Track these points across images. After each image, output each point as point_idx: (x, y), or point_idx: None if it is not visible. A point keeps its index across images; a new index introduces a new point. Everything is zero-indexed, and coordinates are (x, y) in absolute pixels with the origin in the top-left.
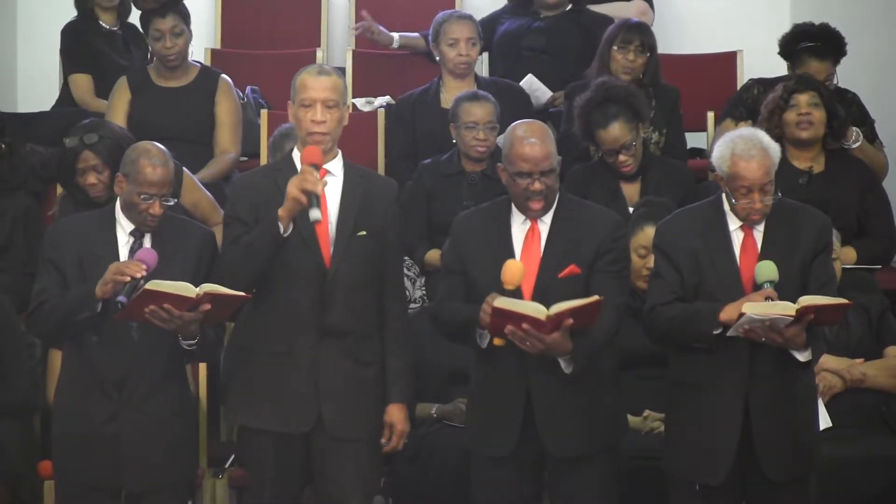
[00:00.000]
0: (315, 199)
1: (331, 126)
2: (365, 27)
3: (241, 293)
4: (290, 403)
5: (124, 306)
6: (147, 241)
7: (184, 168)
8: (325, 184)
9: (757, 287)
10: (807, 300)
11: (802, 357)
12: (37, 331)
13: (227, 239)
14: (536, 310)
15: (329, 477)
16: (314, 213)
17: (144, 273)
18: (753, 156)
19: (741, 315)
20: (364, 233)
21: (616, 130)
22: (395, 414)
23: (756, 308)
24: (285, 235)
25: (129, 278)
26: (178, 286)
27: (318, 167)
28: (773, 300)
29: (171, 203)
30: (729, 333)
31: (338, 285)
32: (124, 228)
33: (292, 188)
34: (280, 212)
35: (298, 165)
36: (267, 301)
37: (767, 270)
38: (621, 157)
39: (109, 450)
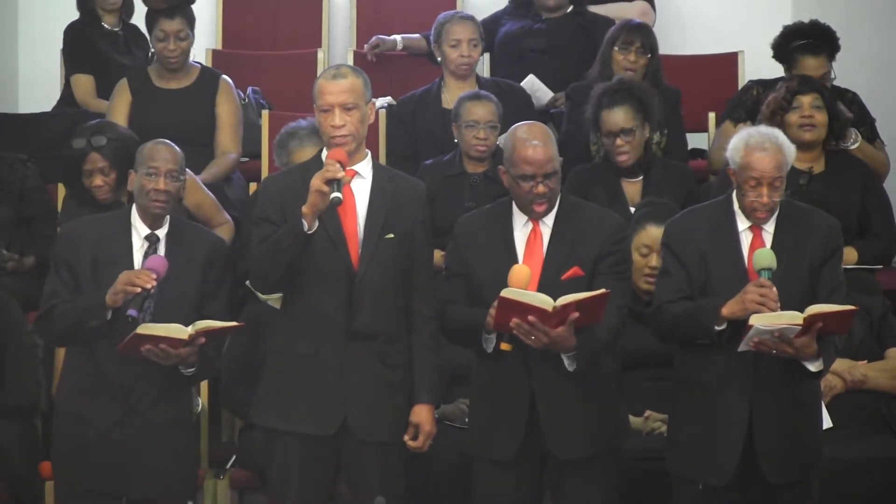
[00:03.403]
0: (336, 185)
1: (351, 128)
2: (372, 45)
3: (234, 323)
4: (316, 406)
5: (134, 319)
6: (161, 248)
7: (187, 169)
8: (347, 179)
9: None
10: (814, 309)
11: (814, 367)
12: (46, 335)
13: (257, 239)
14: (543, 301)
15: (355, 479)
16: (335, 194)
17: (154, 283)
18: (767, 149)
19: (749, 328)
20: (392, 235)
21: (619, 114)
22: (423, 415)
23: (763, 319)
24: (309, 232)
25: (139, 289)
26: (170, 329)
27: (342, 165)
28: (766, 288)
29: (182, 181)
30: (740, 349)
31: (366, 288)
32: (139, 232)
33: (315, 181)
34: (304, 208)
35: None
36: (295, 303)
37: (765, 258)
38: (618, 142)
39: (114, 455)
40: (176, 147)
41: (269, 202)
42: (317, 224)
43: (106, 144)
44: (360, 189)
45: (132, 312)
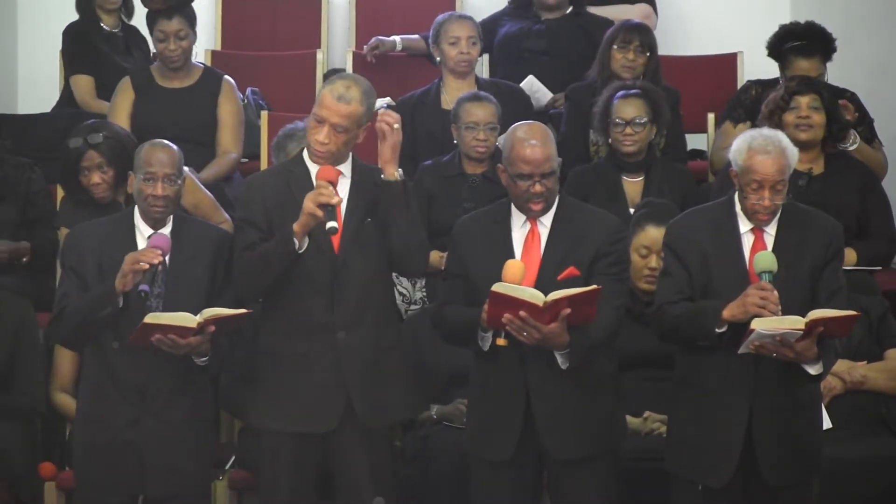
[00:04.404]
0: (331, 211)
1: (333, 148)
2: (371, 47)
3: (243, 311)
4: (314, 403)
5: (148, 294)
6: None
7: (186, 169)
8: (339, 200)
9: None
10: (816, 314)
11: (813, 370)
12: (60, 335)
13: (241, 243)
14: (534, 296)
15: (352, 471)
16: (331, 224)
17: (161, 258)
18: (770, 152)
19: (751, 331)
20: (370, 220)
21: (632, 105)
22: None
23: (765, 323)
24: (300, 252)
25: (147, 266)
26: (177, 317)
27: (333, 184)
28: (766, 291)
29: (179, 184)
30: (740, 351)
31: (350, 276)
32: (143, 233)
33: (308, 203)
34: (295, 226)
35: (310, 166)
36: (283, 304)
37: (766, 261)
38: (627, 130)
39: (130, 456)
40: (174, 148)
41: (252, 205)
42: (307, 242)
43: (102, 142)
44: (342, 187)
45: (144, 287)
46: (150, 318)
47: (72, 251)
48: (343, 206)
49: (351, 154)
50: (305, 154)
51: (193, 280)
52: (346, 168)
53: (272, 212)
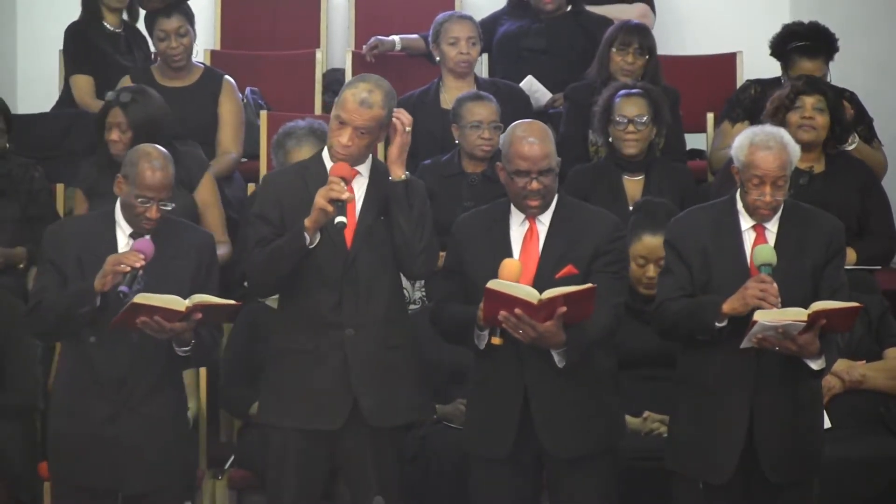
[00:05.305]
0: (341, 206)
1: (355, 150)
2: (371, 47)
3: (232, 301)
4: (321, 400)
5: (126, 296)
6: None
7: (209, 167)
8: (350, 198)
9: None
10: (818, 305)
11: (816, 365)
12: (35, 328)
13: (253, 238)
14: (529, 293)
15: (356, 471)
16: (339, 218)
17: (143, 262)
18: (771, 147)
19: (753, 324)
20: (383, 218)
21: (634, 104)
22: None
23: (768, 315)
24: (311, 247)
25: (128, 269)
26: (166, 300)
27: (346, 181)
28: (766, 283)
29: (169, 207)
30: (742, 345)
31: (359, 274)
32: (124, 230)
33: (319, 199)
34: (306, 222)
35: (328, 164)
36: (293, 300)
37: (765, 254)
38: (630, 128)
39: (108, 451)
40: (168, 163)
41: (266, 201)
42: (318, 237)
43: (129, 103)
44: (359, 186)
45: (123, 289)
46: (140, 298)
47: (52, 245)
48: (359, 204)
49: (371, 155)
50: (325, 153)
51: (174, 280)
52: (364, 168)
53: (286, 208)
